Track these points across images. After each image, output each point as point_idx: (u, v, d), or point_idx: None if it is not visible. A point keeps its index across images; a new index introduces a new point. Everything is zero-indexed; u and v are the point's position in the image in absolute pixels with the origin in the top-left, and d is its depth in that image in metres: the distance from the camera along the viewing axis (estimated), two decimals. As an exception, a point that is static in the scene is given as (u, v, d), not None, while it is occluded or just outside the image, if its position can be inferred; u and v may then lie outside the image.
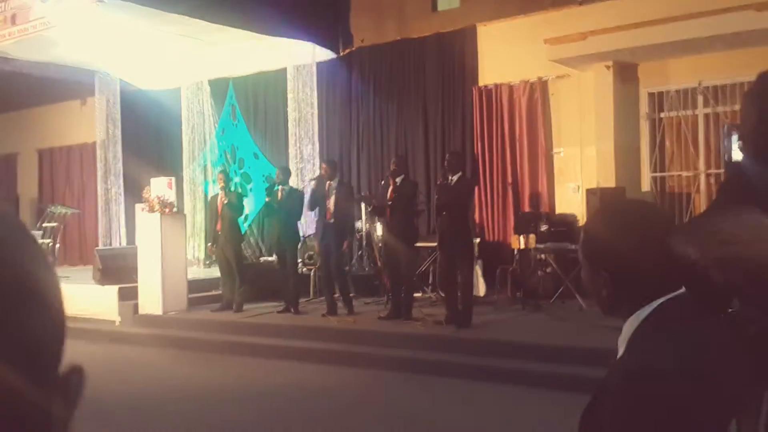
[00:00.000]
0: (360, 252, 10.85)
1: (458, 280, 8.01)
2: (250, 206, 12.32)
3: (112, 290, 10.10)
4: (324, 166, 9.33)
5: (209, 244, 10.31)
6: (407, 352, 7.55)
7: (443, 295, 8.73)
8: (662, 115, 10.00)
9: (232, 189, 10.69)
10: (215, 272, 10.60)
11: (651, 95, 10.02)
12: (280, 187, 9.42)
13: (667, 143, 10.02)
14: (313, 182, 9.38)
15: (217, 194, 9.94)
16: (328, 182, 9.06)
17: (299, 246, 10.15)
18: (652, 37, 8.95)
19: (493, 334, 7.64)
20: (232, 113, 13.39)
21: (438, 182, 8.67)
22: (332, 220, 8.97)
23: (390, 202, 8.44)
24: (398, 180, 8.48)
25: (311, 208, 9.56)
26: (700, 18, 8.55)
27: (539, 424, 5.57)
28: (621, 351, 1.41)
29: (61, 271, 13.11)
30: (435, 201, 8.53)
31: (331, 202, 8.98)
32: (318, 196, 9.08)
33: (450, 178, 8.11)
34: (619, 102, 9.87)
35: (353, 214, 9.93)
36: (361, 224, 10.61)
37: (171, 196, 10.17)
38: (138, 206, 10.72)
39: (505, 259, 9.77)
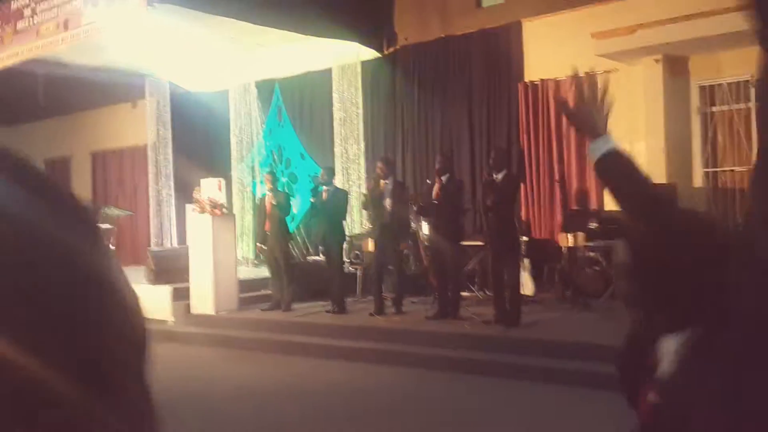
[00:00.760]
0: (406, 251, 10.86)
1: (504, 278, 7.97)
2: (297, 206, 12.44)
3: (166, 290, 10.30)
4: (380, 164, 9.33)
5: (258, 243, 10.45)
6: (455, 352, 7.56)
7: (490, 294, 8.69)
8: (714, 109, 9.77)
9: (280, 189, 10.81)
10: (264, 272, 10.75)
11: (702, 89, 9.79)
12: (324, 187, 9.49)
13: (720, 138, 9.79)
14: (371, 181, 9.41)
15: (266, 195, 10.06)
16: (383, 181, 9.08)
17: (345, 245, 10.21)
18: (702, 29, 8.74)
19: (541, 334, 7.60)
20: (279, 114, 13.55)
21: (483, 179, 8.62)
22: (389, 220, 8.99)
23: (436, 201, 8.42)
24: (444, 178, 8.45)
25: (366, 207, 9.57)
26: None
27: (588, 424, 5.52)
28: (666, 363, 1.40)
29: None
30: (481, 198, 8.48)
31: (387, 202, 8.99)
32: (375, 195, 9.11)
33: (495, 175, 8.06)
34: (669, 96, 9.67)
35: (408, 214, 9.94)
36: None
37: (221, 197, 10.33)
38: (189, 207, 10.91)
39: (553, 257, 9.67)
